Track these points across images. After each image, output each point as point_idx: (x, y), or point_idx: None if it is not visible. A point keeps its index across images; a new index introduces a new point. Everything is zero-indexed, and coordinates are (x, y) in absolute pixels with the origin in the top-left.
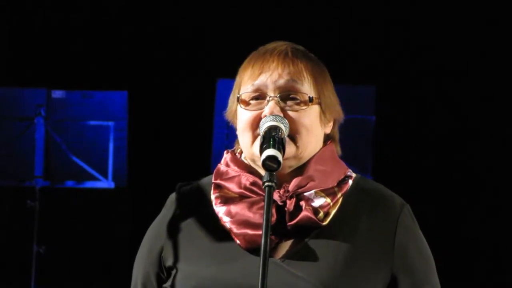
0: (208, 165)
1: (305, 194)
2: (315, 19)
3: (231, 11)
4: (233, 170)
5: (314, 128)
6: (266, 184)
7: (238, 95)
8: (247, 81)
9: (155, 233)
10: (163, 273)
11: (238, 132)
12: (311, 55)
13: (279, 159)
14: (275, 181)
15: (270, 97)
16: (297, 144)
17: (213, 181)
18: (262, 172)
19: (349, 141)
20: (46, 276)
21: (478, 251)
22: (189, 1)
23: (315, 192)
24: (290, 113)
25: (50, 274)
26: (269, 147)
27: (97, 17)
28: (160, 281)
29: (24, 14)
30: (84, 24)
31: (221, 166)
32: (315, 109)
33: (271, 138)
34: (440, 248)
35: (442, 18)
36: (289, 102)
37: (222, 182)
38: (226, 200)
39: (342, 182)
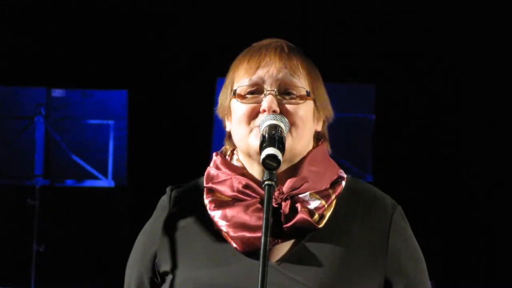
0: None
1: (300, 196)
2: (315, 18)
3: (231, 10)
4: (224, 173)
5: (309, 121)
6: (266, 183)
7: (234, 89)
8: (243, 75)
9: (148, 237)
10: (157, 278)
11: (232, 126)
12: (303, 53)
13: (279, 158)
14: (275, 180)
15: (268, 91)
16: (293, 135)
17: (205, 185)
18: (255, 173)
19: (349, 139)
20: (46, 275)
21: (477, 251)
22: (188, 1)
23: (310, 194)
24: (287, 106)
25: (50, 273)
26: (269, 146)
27: (98, 16)
28: (154, 286)
29: (24, 13)
30: (84, 23)
31: (211, 170)
32: (310, 104)
33: (271, 137)
34: (439, 248)
35: (443, 18)
36: (286, 96)
37: (214, 186)
38: (220, 204)
39: (335, 183)
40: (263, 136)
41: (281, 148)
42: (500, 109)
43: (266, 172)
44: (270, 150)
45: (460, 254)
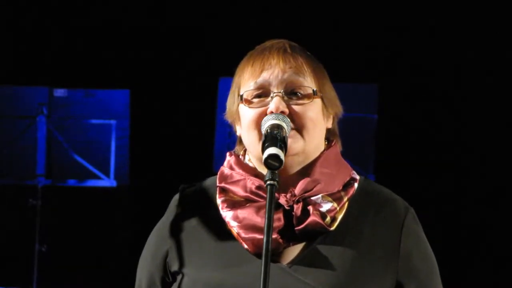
0: (210, 163)
1: (312, 198)
2: (316, 17)
3: (232, 9)
4: (238, 174)
5: (319, 121)
6: (268, 182)
7: (241, 94)
8: (249, 80)
9: (159, 236)
10: (168, 277)
11: (242, 132)
12: (307, 51)
13: (281, 157)
14: (277, 179)
15: (274, 93)
16: (304, 138)
17: (217, 184)
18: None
19: (351, 139)
20: (48, 275)
21: (478, 251)
22: (190, 1)
23: (322, 197)
24: (295, 107)
25: (52, 273)
26: (271, 146)
27: (99, 16)
28: (165, 285)
29: (26, 13)
30: (86, 22)
31: (225, 169)
32: (318, 102)
33: (273, 136)
34: (440, 248)
35: (443, 18)
36: (293, 97)
37: (227, 186)
38: (233, 204)
39: (348, 185)
40: (265, 136)
41: (283, 147)
42: (503, 109)
43: (268, 172)
44: (272, 150)
45: (460, 254)
